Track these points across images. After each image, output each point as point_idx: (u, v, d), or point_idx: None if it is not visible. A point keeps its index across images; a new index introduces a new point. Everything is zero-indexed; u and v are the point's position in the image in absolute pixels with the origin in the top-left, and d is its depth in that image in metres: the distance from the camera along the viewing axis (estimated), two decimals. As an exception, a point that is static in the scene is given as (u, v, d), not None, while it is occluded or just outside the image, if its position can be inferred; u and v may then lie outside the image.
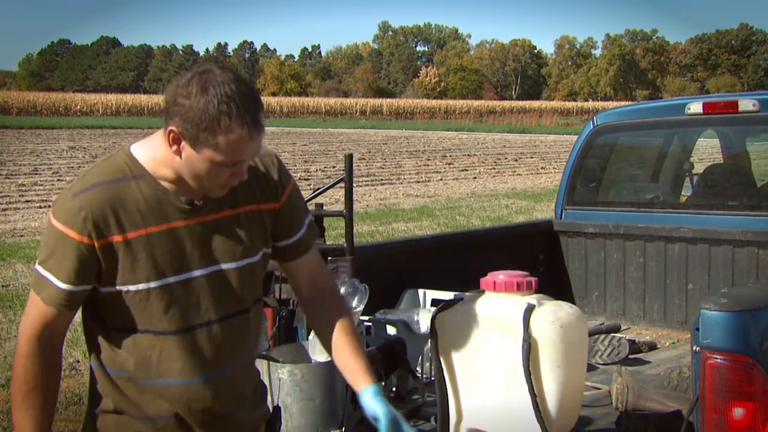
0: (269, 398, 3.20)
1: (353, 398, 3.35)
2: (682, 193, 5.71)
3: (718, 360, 2.44)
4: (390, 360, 3.49)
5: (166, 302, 2.21)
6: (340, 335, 2.46)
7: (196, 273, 2.25)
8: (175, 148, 2.13)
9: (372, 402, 2.36)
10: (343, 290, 3.39)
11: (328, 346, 2.50)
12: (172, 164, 2.18)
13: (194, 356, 2.27)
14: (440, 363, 2.72)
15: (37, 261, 2.21)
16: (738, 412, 2.44)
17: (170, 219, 2.22)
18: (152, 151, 2.23)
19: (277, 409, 2.63)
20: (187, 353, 2.25)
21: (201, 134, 2.07)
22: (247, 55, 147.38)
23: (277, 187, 2.40)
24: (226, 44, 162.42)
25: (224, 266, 2.29)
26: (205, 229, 2.26)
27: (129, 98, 71.23)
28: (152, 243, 2.19)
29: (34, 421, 2.21)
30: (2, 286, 10.08)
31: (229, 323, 2.33)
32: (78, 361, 6.86)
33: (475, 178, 24.71)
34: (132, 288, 2.19)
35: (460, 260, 4.67)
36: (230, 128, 2.06)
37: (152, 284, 2.19)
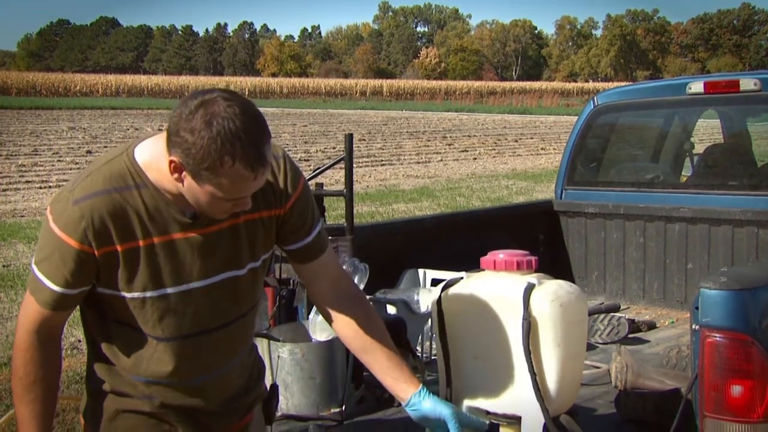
0: (268, 376, 3.23)
1: (353, 377, 3.37)
2: (683, 173, 5.71)
3: (717, 338, 2.45)
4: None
5: (161, 311, 2.19)
6: (375, 341, 2.40)
7: (195, 284, 2.21)
8: (176, 176, 2.05)
9: (432, 404, 2.32)
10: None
11: (357, 348, 2.44)
12: (175, 184, 2.10)
13: (186, 362, 2.25)
14: (442, 341, 2.73)
15: (33, 258, 2.18)
16: (736, 389, 2.45)
17: (171, 231, 2.17)
18: (157, 161, 2.13)
19: (274, 386, 2.63)
20: (178, 359, 2.24)
21: (203, 172, 1.99)
22: (246, 36, 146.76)
23: (282, 195, 2.32)
24: (225, 25, 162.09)
25: (224, 276, 2.25)
26: (206, 241, 2.21)
27: (128, 79, 71.10)
28: (152, 254, 2.15)
29: (37, 414, 2.20)
30: (3, 266, 10.09)
31: (226, 330, 2.31)
32: (79, 341, 6.87)
33: (476, 158, 24.69)
34: (128, 295, 2.16)
35: (460, 240, 4.68)
36: (234, 169, 1.98)
37: (148, 294, 2.16)
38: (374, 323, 2.44)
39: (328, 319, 2.48)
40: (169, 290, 2.18)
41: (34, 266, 2.17)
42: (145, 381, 2.26)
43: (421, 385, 2.36)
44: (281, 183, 2.31)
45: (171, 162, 2.03)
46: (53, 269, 2.13)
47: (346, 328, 2.43)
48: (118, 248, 2.12)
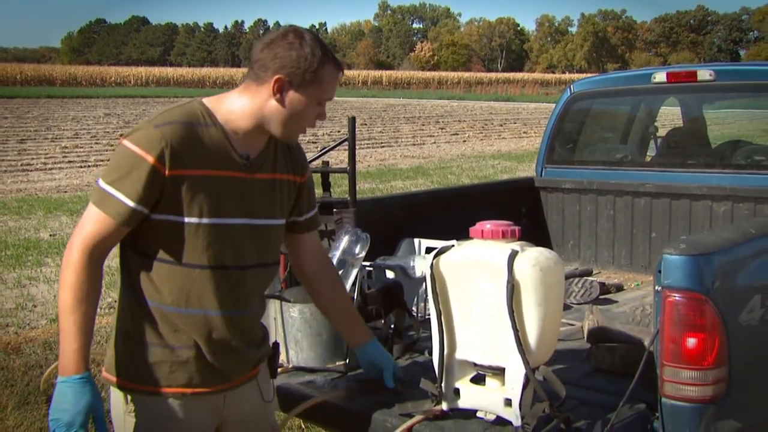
0: (273, 334, 3.24)
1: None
2: (648, 153, 5.69)
3: (677, 297, 2.46)
4: (388, 301, 3.50)
5: (210, 239, 2.22)
6: (342, 300, 2.75)
7: (240, 221, 2.28)
8: (278, 96, 2.23)
9: (379, 354, 2.71)
10: (347, 238, 3.39)
11: (327, 307, 2.72)
12: (256, 115, 2.25)
13: (224, 293, 2.27)
14: (435, 302, 2.73)
15: (103, 180, 2.17)
16: (691, 341, 2.46)
17: (229, 168, 2.25)
18: (228, 105, 2.28)
19: (275, 344, 2.66)
20: (218, 289, 2.26)
21: (308, 75, 2.20)
22: (261, 32, 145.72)
23: (302, 167, 2.51)
24: (242, 22, 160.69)
25: (263, 221, 2.35)
26: (252, 185, 2.30)
27: (157, 71, 70.66)
28: (211, 184, 2.20)
29: (81, 328, 2.16)
30: (50, 235, 10.11)
31: (259, 272, 2.37)
32: (115, 301, 6.88)
33: (465, 141, 24.63)
34: (186, 219, 2.19)
35: (451, 213, 4.66)
36: (329, 68, 2.24)
37: (204, 220, 2.20)
38: (339, 288, 2.76)
39: (305, 282, 2.72)
40: (219, 220, 2.23)
41: (105, 185, 2.16)
42: (188, 313, 2.25)
43: (374, 338, 2.74)
44: (302, 157, 2.52)
45: (276, 81, 2.21)
46: (128, 185, 2.14)
47: (319, 290, 2.69)
48: (187, 173, 2.17)
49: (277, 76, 2.21)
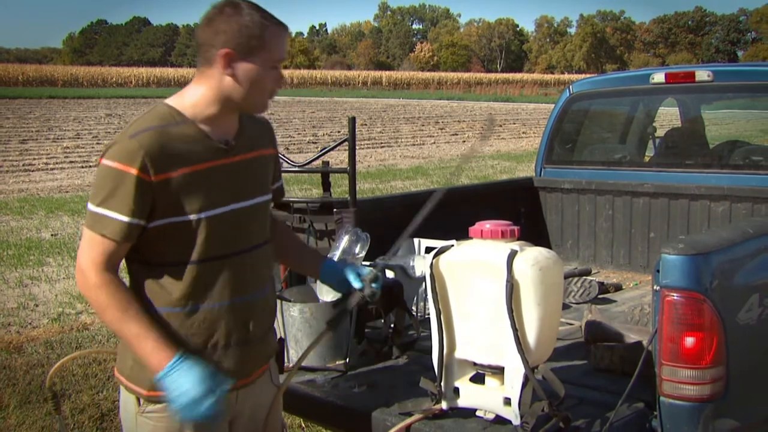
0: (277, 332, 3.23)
1: (356, 333, 3.37)
2: (646, 153, 5.69)
3: (675, 297, 2.46)
4: (389, 300, 3.50)
5: (208, 233, 2.22)
6: (291, 239, 2.73)
7: (236, 205, 2.28)
8: (230, 71, 2.20)
9: (335, 265, 2.66)
10: (347, 238, 3.38)
11: (282, 250, 2.64)
12: (218, 97, 2.24)
13: (232, 282, 2.27)
14: (435, 302, 2.73)
15: (92, 203, 2.16)
16: (689, 340, 2.47)
17: (211, 158, 2.24)
18: (190, 99, 2.27)
19: (282, 340, 2.67)
20: (225, 279, 2.26)
21: (253, 41, 2.18)
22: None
23: (273, 139, 2.53)
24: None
25: (255, 200, 2.35)
26: (238, 168, 2.30)
27: (158, 71, 70.60)
28: (198, 179, 2.20)
29: (143, 326, 2.14)
30: (52, 235, 10.11)
31: (258, 252, 2.37)
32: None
33: (464, 141, 24.61)
34: (181, 219, 2.18)
35: (451, 213, 4.64)
36: (272, 30, 2.22)
37: (200, 215, 2.20)
38: (292, 236, 2.80)
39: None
40: (218, 210, 2.24)
41: (96, 207, 2.15)
42: (198, 309, 2.23)
43: (327, 257, 2.74)
44: (270, 130, 2.54)
45: (224, 57, 2.19)
46: (118, 202, 2.13)
47: (277, 242, 2.57)
48: (172, 174, 2.16)
49: (223, 52, 2.18)
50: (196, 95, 2.26)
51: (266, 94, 2.29)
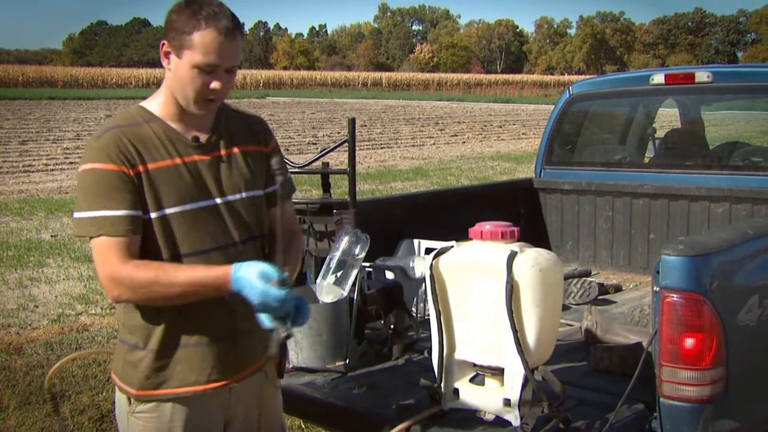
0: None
1: (356, 335, 3.37)
2: (646, 154, 5.69)
3: (675, 298, 2.46)
4: (388, 301, 3.50)
5: (184, 227, 2.19)
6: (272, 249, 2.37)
7: (208, 202, 2.24)
8: (166, 62, 2.18)
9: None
10: (346, 239, 3.39)
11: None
12: (173, 94, 2.21)
13: None
14: (435, 303, 2.73)
15: (82, 212, 2.14)
16: (689, 342, 2.46)
17: (181, 154, 2.22)
18: (159, 97, 2.27)
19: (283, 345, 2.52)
20: None
21: (183, 37, 2.12)
22: (261, 33, 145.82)
23: (265, 135, 2.43)
24: (243, 23, 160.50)
25: (231, 197, 2.28)
26: (211, 164, 2.26)
27: (158, 72, 70.05)
28: (168, 174, 2.18)
29: (187, 267, 2.14)
30: (52, 236, 10.11)
31: (244, 248, 2.29)
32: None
33: (464, 142, 24.61)
34: (152, 215, 2.16)
35: (450, 214, 4.66)
36: (205, 31, 2.10)
37: (171, 210, 2.17)
38: (276, 244, 2.32)
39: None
40: (188, 206, 2.20)
41: (89, 213, 2.13)
42: (189, 306, 2.19)
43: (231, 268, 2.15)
44: (262, 128, 2.44)
45: (161, 49, 2.18)
46: (109, 199, 2.12)
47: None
48: (143, 168, 2.15)
49: (161, 43, 2.18)
50: (161, 93, 2.27)
51: (192, 97, 2.18)
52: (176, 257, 2.20)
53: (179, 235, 2.19)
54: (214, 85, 2.16)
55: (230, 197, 2.28)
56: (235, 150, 2.32)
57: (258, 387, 2.44)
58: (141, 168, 2.15)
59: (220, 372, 2.29)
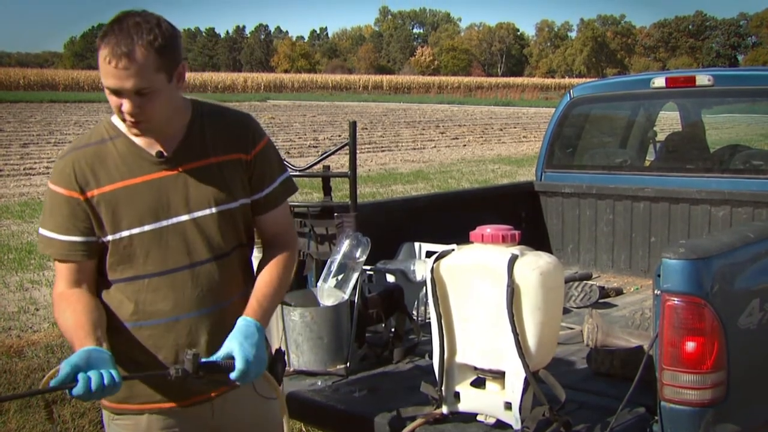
0: (275, 341, 3.21)
1: (357, 338, 3.37)
2: (647, 157, 5.70)
3: (676, 301, 2.46)
4: (389, 304, 3.50)
5: (147, 247, 2.16)
6: (264, 275, 2.29)
7: (174, 220, 2.18)
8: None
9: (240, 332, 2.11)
10: (347, 242, 3.39)
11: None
12: None
13: (178, 295, 2.18)
14: (436, 306, 2.72)
15: (41, 228, 2.21)
16: (690, 345, 2.46)
17: (145, 172, 2.18)
18: None
19: (279, 351, 2.43)
20: (172, 292, 2.18)
21: (97, 55, 2.05)
22: (262, 37, 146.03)
23: (248, 141, 2.27)
24: (243, 27, 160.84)
25: (199, 213, 2.20)
26: (178, 179, 2.19)
27: (159, 75, 70.50)
28: (129, 194, 2.16)
29: (72, 319, 2.10)
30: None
31: (216, 264, 2.22)
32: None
33: (465, 145, 24.61)
34: (114, 237, 2.15)
35: (451, 217, 4.66)
36: (102, 53, 2.02)
37: (132, 231, 2.15)
38: (272, 266, 2.30)
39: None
40: (151, 226, 2.16)
41: (45, 231, 2.20)
42: (146, 325, 2.18)
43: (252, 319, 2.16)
44: (247, 132, 2.28)
45: None
46: (54, 222, 2.17)
47: (261, 263, 2.33)
48: (99, 191, 2.15)
49: None
50: None
51: (121, 118, 2.11)
52: (139, 278, 2.18)
53: (140, 256, 2.17)
54: (125, 107, 2.06)
55: (198, 213, 2.20)
56: (208, 161, 2.22)
57: (247, 400, 2.36)
58: (96, 192, 2.15)
59: (185, 392, 2.24)
